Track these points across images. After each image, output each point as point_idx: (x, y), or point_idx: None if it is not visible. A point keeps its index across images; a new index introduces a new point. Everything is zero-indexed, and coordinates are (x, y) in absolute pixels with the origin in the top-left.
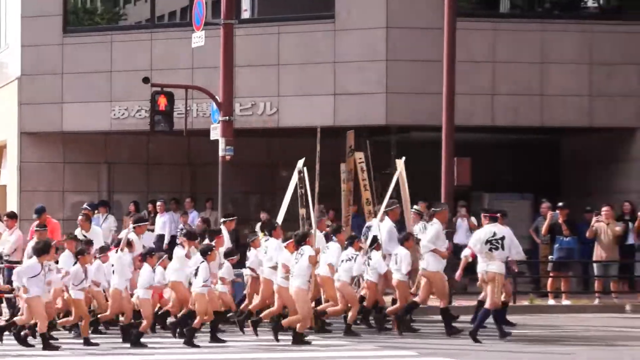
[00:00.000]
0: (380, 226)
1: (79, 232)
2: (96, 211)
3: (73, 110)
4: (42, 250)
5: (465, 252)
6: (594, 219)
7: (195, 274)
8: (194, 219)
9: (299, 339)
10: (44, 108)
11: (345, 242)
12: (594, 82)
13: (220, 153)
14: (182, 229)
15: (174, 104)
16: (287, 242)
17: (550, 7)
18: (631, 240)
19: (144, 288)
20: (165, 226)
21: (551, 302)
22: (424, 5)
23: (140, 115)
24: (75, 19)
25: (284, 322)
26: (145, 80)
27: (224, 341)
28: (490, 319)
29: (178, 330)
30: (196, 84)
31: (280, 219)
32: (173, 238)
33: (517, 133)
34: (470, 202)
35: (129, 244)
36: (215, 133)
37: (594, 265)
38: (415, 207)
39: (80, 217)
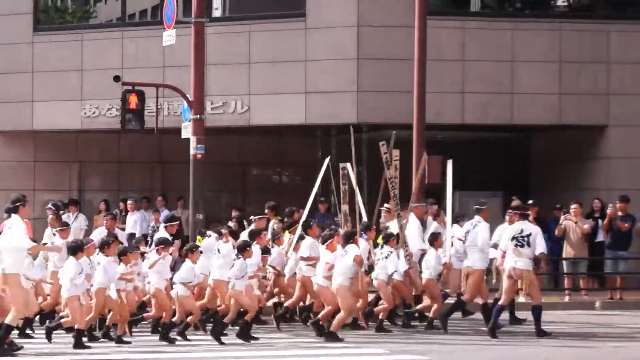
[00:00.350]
0: (409, 224)
1: (49, 231)
2: (66, 210)
3: (44, 109)
4: (78, 248)
5: (496, 254)
6: (562, 217)
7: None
8: (165, 217)
9: (333, 337)
10: (14, 107)
11: (382, 240)
12: (563, 80)
13: (192, 151)
14: (153, 227)
15: (145, 103)
16: (328, 241)
17: (520, 6)
18: (601, 237)
19: (182, 284)
20: (137, 225)
21: (521, 299)
22: (395, 3)
23: (111, 113)
24: (46, 18)
25: (321, 315)
26: (116, 78)
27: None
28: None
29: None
30: (167, 83)
31: (304, 217)
32: (144, 237)
33: (487, 131)
34: (440, 200)
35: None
36: (187, 131)
37: (564, 262)
38: (386, 205)
39: (50, 216)
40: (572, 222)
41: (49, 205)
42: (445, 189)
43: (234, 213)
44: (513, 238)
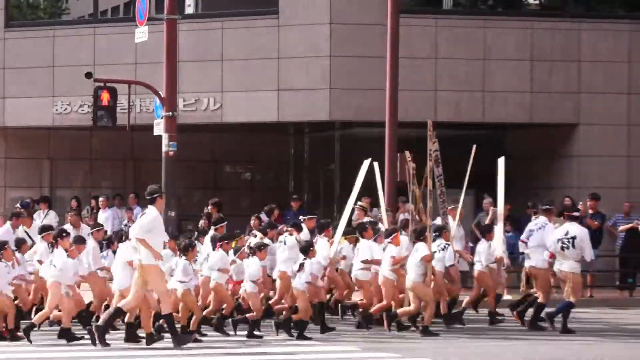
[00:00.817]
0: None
1: (21, 229)
2: (37, 207)
3: (15, 105)
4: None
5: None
6: (533, 217)
7: (299, 270)
8: (138, 215)
9: (427, 332)
10: None
11: (434, 234)
12: (535, 78)
13: (164, 149)
14: (126, 225)
15: (117, 99)
16: (392, 235)
17: (492, 4)
18: None
19: (251, 281)
20: (108, 222)
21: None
22: (367, 1)
23: (83, 110)
24: (18, 13)
25: (400, 311)
26: (88, 75)
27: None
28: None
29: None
30: (139, 79)
31: (344, 218)
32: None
33: (459, 129)
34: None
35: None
36: (159, 128)
37: None
38: (359, 202)
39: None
40: None
41: (17, 205)
42: (497, 186)
43: (212, 209)
44: (559, 240)
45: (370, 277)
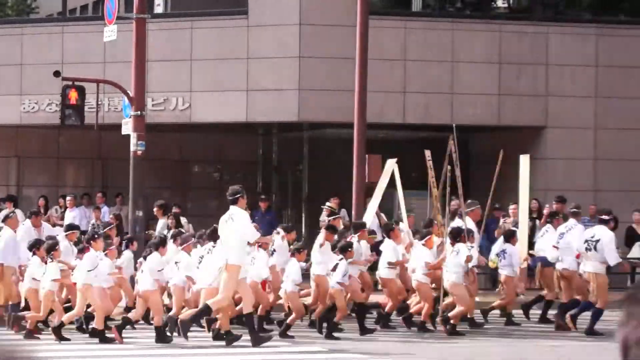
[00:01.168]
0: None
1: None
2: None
3: None
4: (161, 244)
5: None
6: (502, 220)
7: (333, 270)
8: (105, 214)
9: (454, 331)
10: None
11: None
12: (503, 81)
13: (132, 148)
14: (94, 225)
15: (85, 98)
16: (426, 238)
17: (461, 7)
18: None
19: (293, 282)
20: (76, 221)
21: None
22: (337, 3)
23: (50, 109)
24: None
25: (451, 314)
26: (56, 73)
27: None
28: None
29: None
30: (108, 78)
31: (368, 219)
32: (83, 233)
33: (428, 130)
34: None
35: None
36: (127, 128)
37: None
38: (327, 203)
39: None
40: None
41: None
42: (519, 186)
43: (175, 210)
44: (585, 241)
45: (394, 275)
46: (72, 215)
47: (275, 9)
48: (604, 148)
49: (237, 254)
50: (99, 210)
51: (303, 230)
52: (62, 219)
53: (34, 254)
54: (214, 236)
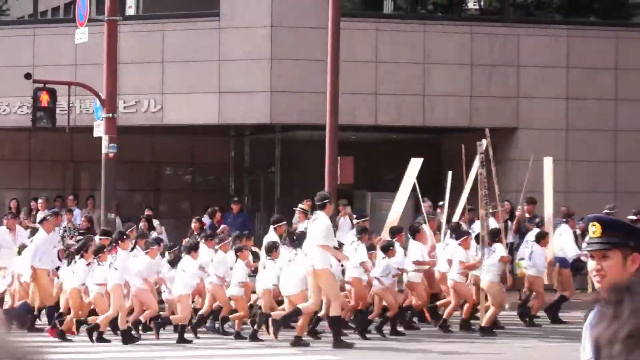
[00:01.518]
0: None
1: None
2: None
3: None
4: (192, 248)
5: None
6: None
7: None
8: (77, 216)
9: (487, 331)
10: None
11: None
12: (474, 82)
13: (104, 150)
14: (65, 227)
15: (57, 101)
16: (462, 238)
17: (432, 9)
18: (510, 238)
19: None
20: None
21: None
22: (309, 4)
23: (22, 111)
24: None
25: (486, 320)
26: (28, 76)
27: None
28: None
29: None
30: (80, 81)
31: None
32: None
33: (400, 132)
34: (352, 201)
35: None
36: (99, 130)
37: None
38: (300, 205)
39: None
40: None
41: None
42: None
43: (147, 212)
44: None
45: (420, 278)
46: None
47: (247, 11)
48: (576, 149)
49: (321, 258)
50: (71, 212)
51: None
52: (34, 221)
53: (82, 256)
54: (299, 242)
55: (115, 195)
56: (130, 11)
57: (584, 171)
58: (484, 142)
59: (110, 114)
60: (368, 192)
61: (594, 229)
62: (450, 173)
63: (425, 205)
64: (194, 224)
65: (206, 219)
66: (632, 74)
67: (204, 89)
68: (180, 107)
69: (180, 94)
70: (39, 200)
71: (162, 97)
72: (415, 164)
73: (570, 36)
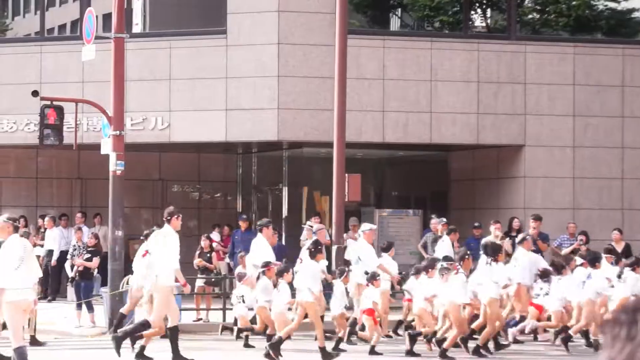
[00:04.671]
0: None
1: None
2: None
3: None
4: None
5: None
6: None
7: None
8: (85, 234)
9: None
10: None
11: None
12: (481, 100)
13: (111, 168)
14: (74, 246)
15: (64, 118)
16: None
17: (439, 26)
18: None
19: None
20: (55, 242)
21: None
22: (316, 22)
23: (29, 128)
24: None
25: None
26: (35, 93)
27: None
28: None
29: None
30: (87, 98)
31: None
32: (63, 254)
33: (407, 149)
34: (360, 218)
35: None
36: (106, 147)
37: None
38: (308, 223)
39: None
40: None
41: None
42: None
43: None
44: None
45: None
46: (52, 236)
47: (254, 28)
48: (583, 166)
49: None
50: (81, 230)
51: None
52: (42, 238)
53: (264, 274)
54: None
55: (122, 212)
56: (137, 28)
57: (590, 188)
58: None
59: (118, 132)
60: (376, 208)
61: None
62: None
63: (432, 223)
64: (203, 242)
65: (215, 236)
66: (638, 91)
67: (211, 107)
68: (188, 124)
69: (188, 111)
70: (46, 218)
71: (170, 115)
72: None
73: (576, 53)
